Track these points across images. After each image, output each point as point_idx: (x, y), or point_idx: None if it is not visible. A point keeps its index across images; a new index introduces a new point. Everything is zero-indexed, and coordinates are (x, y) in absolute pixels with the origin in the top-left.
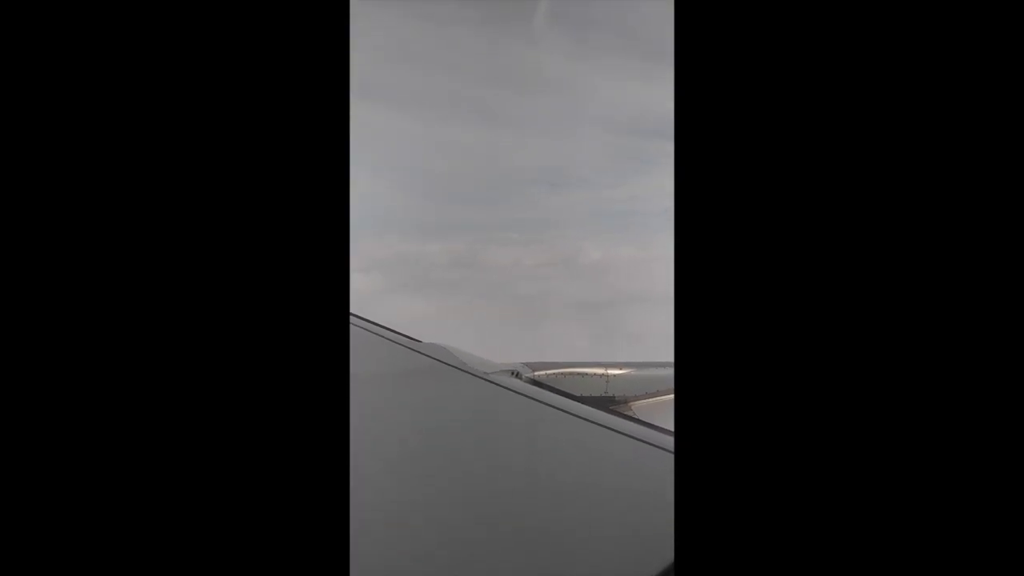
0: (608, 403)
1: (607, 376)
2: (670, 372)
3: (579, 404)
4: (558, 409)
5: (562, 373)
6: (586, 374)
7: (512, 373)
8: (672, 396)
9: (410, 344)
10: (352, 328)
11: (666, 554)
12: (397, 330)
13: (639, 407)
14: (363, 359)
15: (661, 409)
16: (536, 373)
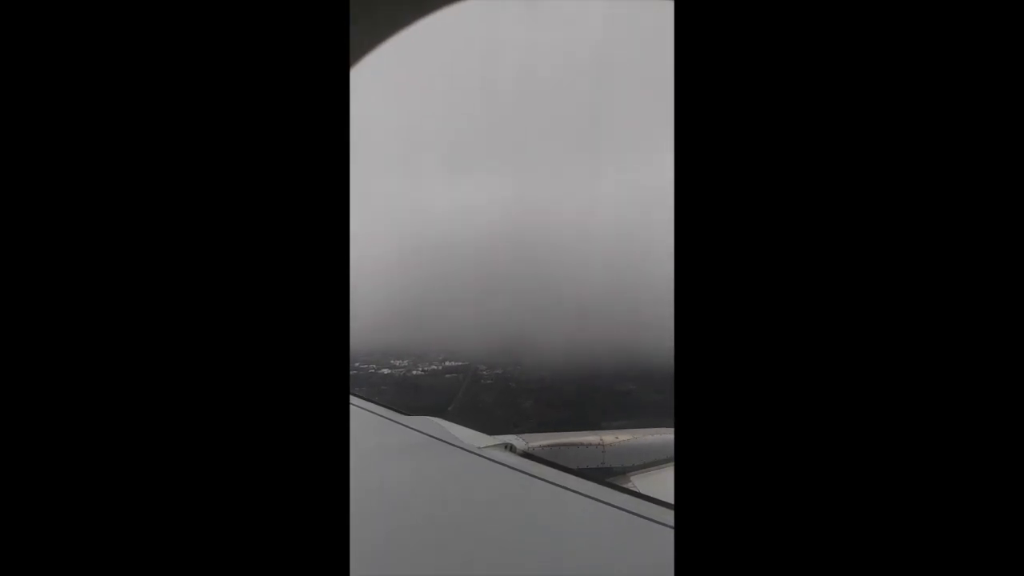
0: (605, 475)
1: (603, 445)
2: (669, 437)
3: (575, 478)
4: (554, 484)
5: (556, 445)
6: (581, 444)
7: (506, 447)
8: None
9: (401, 419)
10: None
11: None
12: (380, 401)
13: (640, 481)
14: (353, 434)
15: (663, 482)
16: (530, 445)
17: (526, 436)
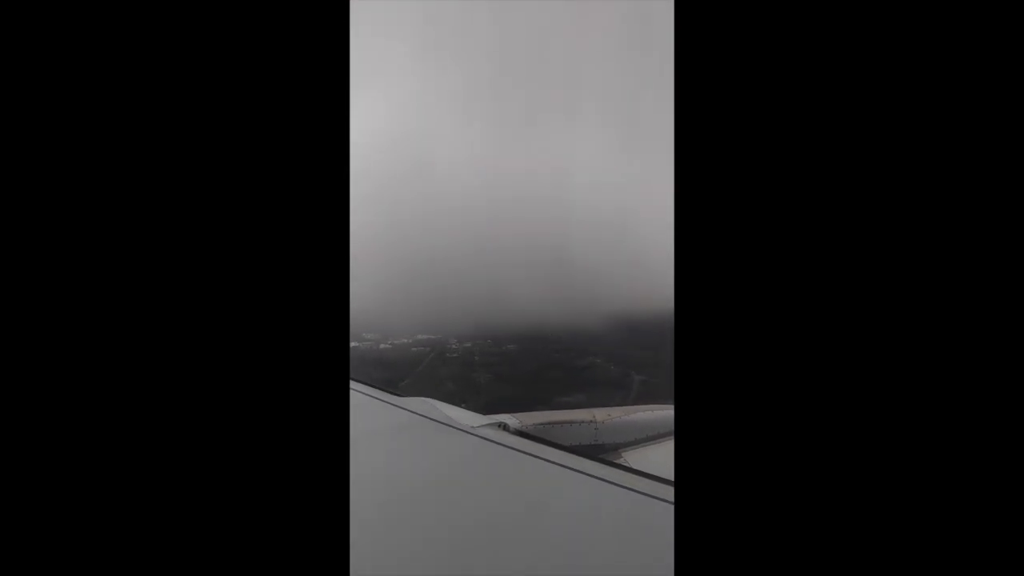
0: (597, 451)
1: (595, 423)
2: (661, 413)
3: (569, 455)
4: (548, 461)
5: (549, 423)
6: (574, 422)
7: (499, 426)
8: (664, 442)
9: (393, 400)
10: None
11: None
12: (373, 383)
13: (632, 457)
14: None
15: (655, 457)
16: (524, 424)
17: (519, 415)
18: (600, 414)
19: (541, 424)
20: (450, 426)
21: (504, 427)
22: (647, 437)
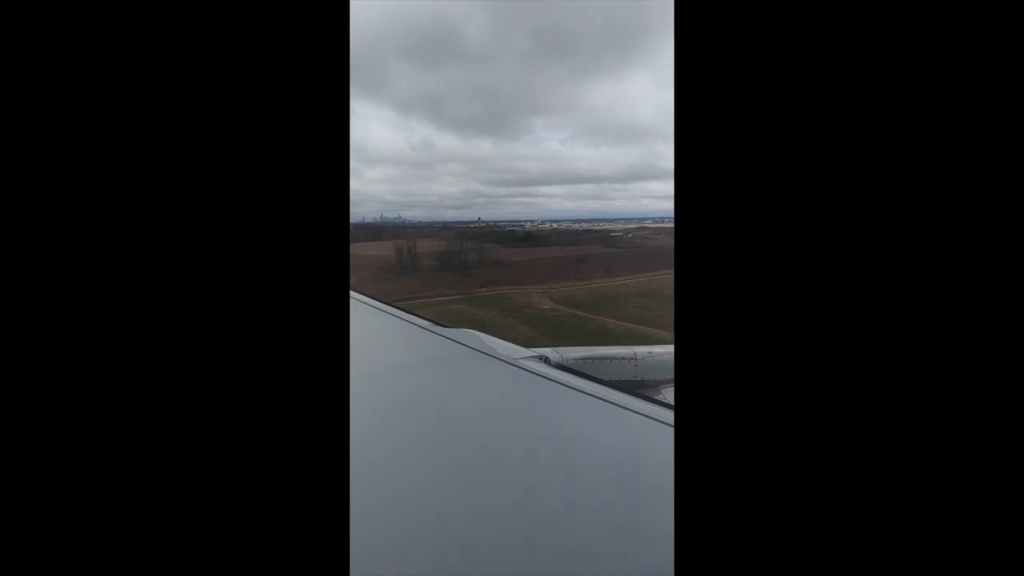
0: (637, 387)
1: (636, 359)
2: None
3: (607, 388)
4: (586, 394)
5: (590, 358)
6: (614, 358)
7: (541, 359)
8: None
9: (440, 331)
10: (383, 315)
11: None
12: (427, 317)
13: (671, 394)
14: (396, 346)
15: None
16: (564, 357)
17: (560, 349)
18: (640, 351)
19: (582, 358)
20: (493, 356)
21: (545, 360)
22: None
